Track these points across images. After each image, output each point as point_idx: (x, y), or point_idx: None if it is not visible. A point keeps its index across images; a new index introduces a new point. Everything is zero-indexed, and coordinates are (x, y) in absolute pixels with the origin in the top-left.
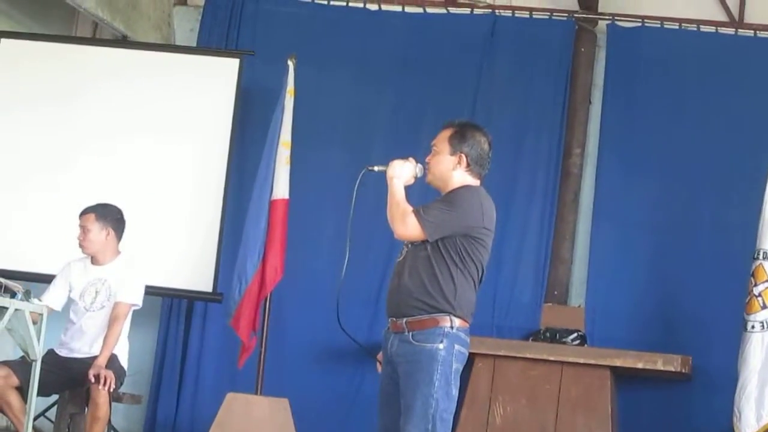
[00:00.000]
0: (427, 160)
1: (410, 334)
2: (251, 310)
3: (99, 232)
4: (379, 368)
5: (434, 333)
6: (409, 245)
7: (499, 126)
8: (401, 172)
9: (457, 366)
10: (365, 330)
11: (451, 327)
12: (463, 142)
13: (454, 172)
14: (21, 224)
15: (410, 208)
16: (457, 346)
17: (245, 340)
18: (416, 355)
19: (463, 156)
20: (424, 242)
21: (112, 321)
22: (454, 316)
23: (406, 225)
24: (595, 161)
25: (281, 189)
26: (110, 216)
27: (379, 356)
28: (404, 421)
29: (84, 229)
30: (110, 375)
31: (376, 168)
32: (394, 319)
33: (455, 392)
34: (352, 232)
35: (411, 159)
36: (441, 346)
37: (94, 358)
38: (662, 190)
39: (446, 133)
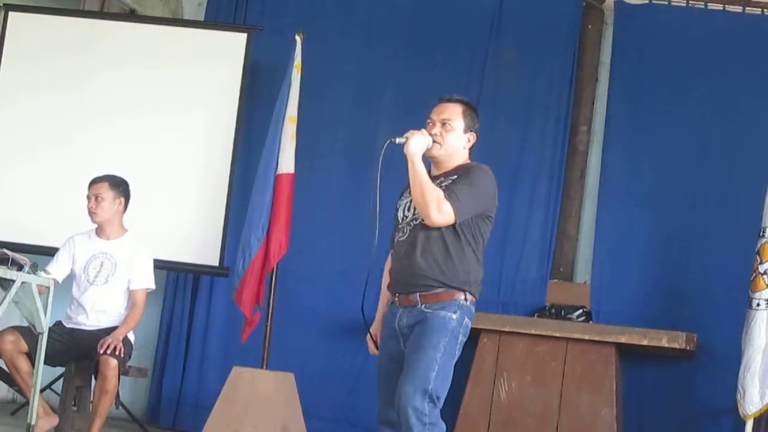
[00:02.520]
0: (437, 132)
1: (424, 306)
2: (254, 284)
3: (112, 201)
4: (372, 347)
5: (449, 304)
6: (412, 223)
7: (506, 103)
8: (420, 147)
9: (462, 339)
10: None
11: (465, 299)
12: (474, 121)
13: (464, 150)
14: (28, 197)
15: (442, 194)
16: (466, 320)
17: (248, 314)
18: (429, 320)
19: (474, 135)
20: None
21: (132, 307)
22: (468, 292)
23: (443, 213)
24: (602, 139)
25: (287, 163)
26: (122, 186)
27: (374, 333)
28: (403, 379)
29: (97, 197)
30: (119, 343)
31: (397, 140)
32: (405, 295)
33: (452, 366)
34: (379, 208)
35: (423, 131)
36: (454, 316)
37: (101, 330)
38: (668, 168)
39: (458, 109)
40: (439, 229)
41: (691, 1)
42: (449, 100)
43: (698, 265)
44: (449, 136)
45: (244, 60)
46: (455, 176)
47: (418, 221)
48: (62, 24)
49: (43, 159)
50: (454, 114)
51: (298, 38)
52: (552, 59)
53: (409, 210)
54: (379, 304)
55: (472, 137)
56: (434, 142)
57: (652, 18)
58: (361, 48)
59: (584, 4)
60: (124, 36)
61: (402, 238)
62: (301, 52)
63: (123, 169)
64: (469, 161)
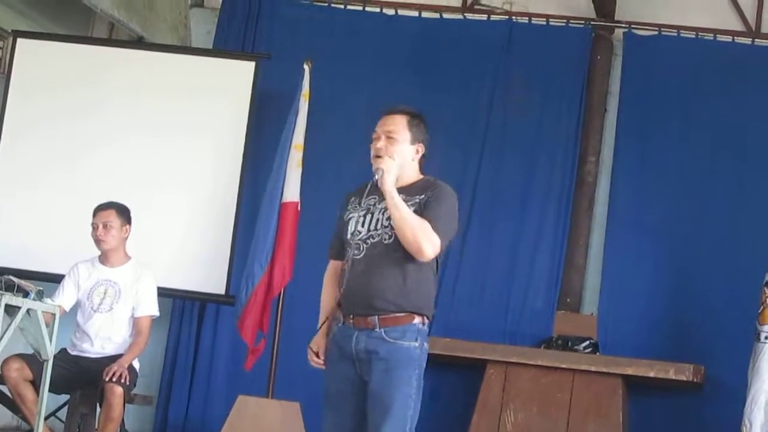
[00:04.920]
0: (379, 146)
1: (383, 330)
2: (257, 312)
3: (120, 229)
4: (316, 360)
5: (409, 330)
6: (369, 241)
7: (514, 132)
8: (395, 175)
9: (424, 365)
10: None
11: (423, 324)
12: (421, 132)
13: (413, 162)
14: (34, 224)
15: (428, 226)
16: (425, 344)
17: (250, 343)
18: (394, 353)
19: (422, 146)
20: (397, 243)
21: (137, 334)
22: (425, 316)
23: (435, 246)
24: (610, 169)
25: (291, 192)
26: (127, 213)
27: (315, 347)
28: (381, 421)
29: (106, 225)
30: (125, 370)
31: (376, 177)
32: (361, 316)
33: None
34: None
35: (387, 157)
36: (416, 344)
37: (106, 357)
38: (676, 199)
39: (402, 120)
40: (401, 249)
41: (700, 33)
42: (392, 112)
43: (705, 297)
44: (397, 149)
45: (252, 88)
46: (421, 195)
47: (376, 239)
48: (70, 51)
49: (49, 186)
50: (398, 125)
51: (306, 67)
52: (561, 89)
53: (363, 226)
54: (322, 315)
55: (420, 148)
56: (377, 156)
57: (661, 49)
58: (369, 76)
59: (593, 34)
60: (133, 63)
61: (358, 256)
62: (309, 81)
63: (129, 196)
64: (424, 176)
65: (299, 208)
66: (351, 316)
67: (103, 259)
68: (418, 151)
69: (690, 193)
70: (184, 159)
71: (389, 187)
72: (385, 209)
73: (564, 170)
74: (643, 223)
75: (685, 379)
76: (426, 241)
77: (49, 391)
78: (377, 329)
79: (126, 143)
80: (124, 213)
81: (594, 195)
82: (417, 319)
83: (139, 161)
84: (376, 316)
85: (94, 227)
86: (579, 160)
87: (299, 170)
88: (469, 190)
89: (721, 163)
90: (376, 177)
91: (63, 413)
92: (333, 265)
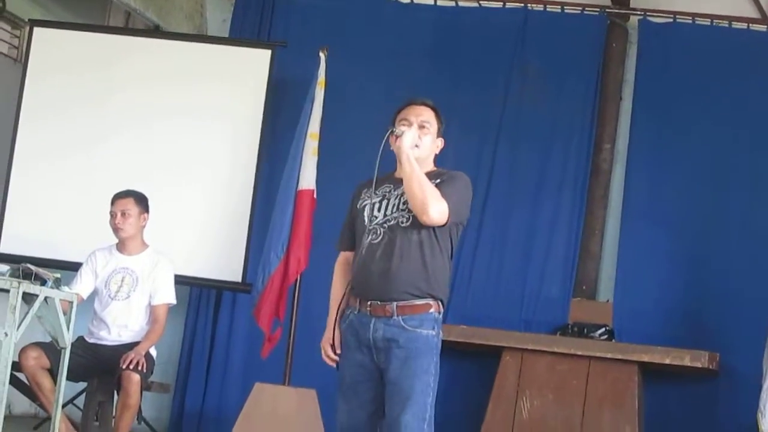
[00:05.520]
0: (414, 132)
1: (401, 318)
2: (273, 300)
3: (138, 217)
4: (331, 355)
5: (426, 318)
6: (386, 225)
7: (529, 120)
8: (412, 145)
9: (439, 353)
10: None
11: (438, 312)
12: (441, 127)
13: (434, 154)
14: (51, 212)
15: (438, 192)
16: (441, 332)
17: (266, 330)
18: (414, 341)
19: (442, 141)
20: (415, 226)
21: (154, 322)
22: (441, 302)
23: (441, 211)
24: (625, 157)
25: (307, 180)
26: (145, 201)
27: (330, 340)
28: (400, 409)
29: (124, 213)
30: (142, 358)
31: (395, 131)
32: (378, 302)
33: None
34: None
35: (414, 128)
36: (434, 332)
37: (123, 345)
38: (692, 187)
39: (432, 113)
40: (418, 233)
41: (715, 20)
42: (424, 104)
43: (721, 284)
44: (426, 139)
45: (268, 76)
46: (437, 180)
47: (393, 222)
48: (87, 40)
49: (66, 174)
50: (430, 117)
51: (321, 55)
52: (576, 77)
53: (379, 210)
54: (333, 309)
55: (441, 143)
56: (415, 146)
57: (676, 36)
58: (385, 64)
59: (608, 22)
60: (149, 52)
61: (375, 241)
62: (325, 69)
63: (146, 184)
64: (436, 167)
65: (315, 196)
66: (368, 303)
67: (121, 247)
68: (438, 146)
69: (705, 181)
70: (200, 147)
71: (407, 147)
72: (402, 194)
73: (579, 158)
74: (659, 211)
75: (701, 366)
76: (434, 202)
77: (67, 379)
78: (395, 317)
79: (142, 131)
80: (142, 201)
81: (609, 183)
82: (433, 308)
83: (155, 150)
84: (394, 304)
85: (112, 215)
86: (594, 148)
87: (315, 158)
88: (485, 178)
89: (737, 151)
90: (396, 132)
91: (80, 401)
92: (343, 257)
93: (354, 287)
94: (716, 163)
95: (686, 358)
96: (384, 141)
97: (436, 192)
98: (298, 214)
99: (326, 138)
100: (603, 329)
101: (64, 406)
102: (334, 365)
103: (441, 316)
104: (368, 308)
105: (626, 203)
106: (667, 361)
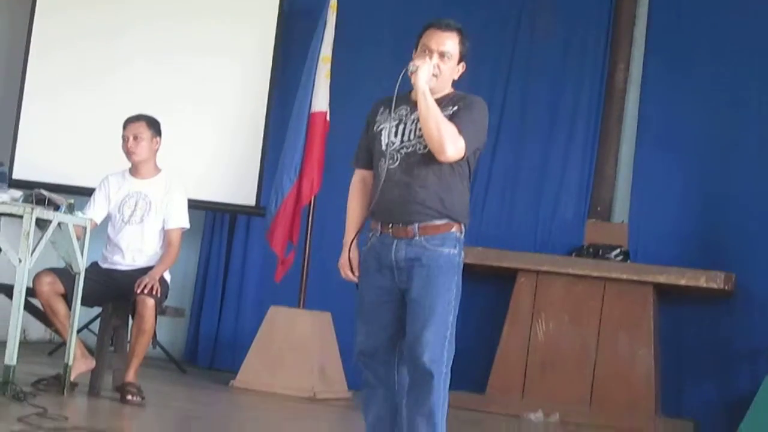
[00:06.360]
0: (435, 63)
1: (423, 238)
2: (287, 223)
3: (150, 140)
4: (350, 274)
5: (448, 237)
6: (403, 151)
7: (543, 43)
8: (428, 79)
9: (461, 273)
10: None
11: (460, 232)
12: (465, 50)
13: (453, 79)
14: (64, 139)
15: (456, 129)
16: (463, 253)
17: (280, 254)
18: (436, 260)
19: (464, 65)
20: (432, 153)
21: (168, 246)
22: (463, 224)
23: (458, 149)
24: (640, 81)
25: (320, 102)
26: (157, 125)
27: (347, 261)
28: (422, 327)
29: (136, 137)
30: (156, 283)
31: (410, 68)
32: (400, 225)
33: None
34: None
35: (427, 60)
36: (455, 251)
37: (137, 270)
38: (707, 110)
39: (455, 38)
40: (436, 159)
41: None
42: (448, 28)
43: (736, 205)
44: (447, 68)
45: (280, 1)
46: (454, 107)
47: (411, 149)
48: None
49: (77, 103)
50: (453, 43)
51: None
52: (589, 2)
53: (396, 136)
54: (350, 228)
55: (462, 67)
56: (434, 75)
57: None
58: None
59: None
60: None
61: (393, 166)
62: None
63: (159, 110)
64: (454, 90)
65: (328, 119)
66: (390, 226)
67: (134, 171)
68: (459, 71)
69: (720, 104)
70: (213, 72)
71: (422, 83)
72: (418, 120)
73: (593, 83)
74: (674, 134)
75: (716, 287)
76: (449, 140)
77: (81, 304)
78: (417, 237)
79: (154, 62)
80: (154, 125)
81: (624, 104)
82: (455, 227)
83: (167, 77)
84: (416, 224)
85: (125, 139)
86: (608, 73)
87: (327, 81)
88: (498, 103)
89: (754, 74)
90: (410, 71)
91: (95, 326)
92: (360, 174)
93: (374, 212)
94: (733, 84)
95: (702, 279)
96: (401, 75)
97: (452, 129)
98: (311, 137)
99: (338, 62)
100: (618, 250)
101: (79, 331)
102: (355, 281)
103: (463, 237)
104: (390, 230)
105: (641, 127)
106: (683, 282)
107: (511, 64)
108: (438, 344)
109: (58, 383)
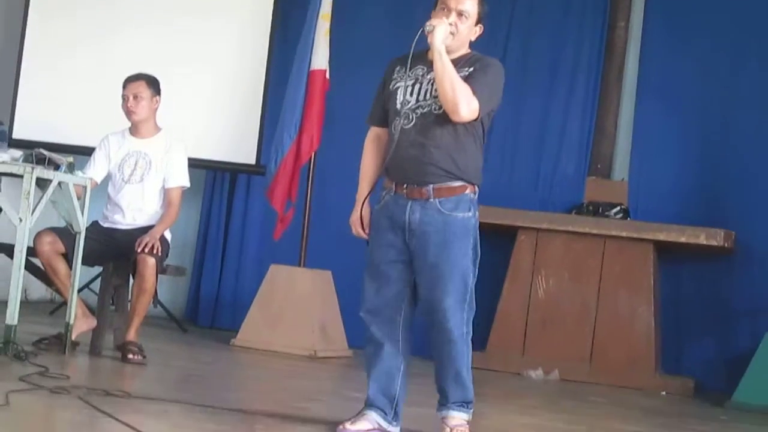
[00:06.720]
0: (452, 22)
1: (437, 201)
2: (286, 181)
3: (150, 99)
4: (361, 233)
5: (462, 200)
6: (418, 111)
7: (542, 3)
8: (444, 38)
9: (477, 235)
10: None
11: (474, 193)
12: (483, 11)
13: (470, 40)
14: (64, 98)
15: (470, 90)
16: (477, 214)
17: (279, 211)
18: (450, 225)
19: (482, 27)
20: (446, 114)
21: (168, 205)
22: (476, 184)
23: (471, 110)
24: (639, 38)
25: (320, 60)
26: (157, 84)
27: (359, 217)
28: (442, 294)
29: (136, 96)
30: (156, 241)
31: (426, 27)
32: (415, 185)
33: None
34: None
35: (444, 20)
36: (470, 213)
37: (137, 229)
38: (707, 64)
39: None
40: (450, 120)
41: None
42: None
43: (737, 163)
44: (464, 28)
45: None
46: (469, 68)
47: (426, 109)
48: None
49: (76, 62)
50: (471, 5)
51: None
52: None
53: (411, 95)
54: (364, 185)
55: (479, 29)
56: (450, 33)
57: None
58: None
59: None
60: None
61: (407, 126)
62: None
63: (158, 69)
64: (472, 51)
65: (328, 76)
66: (404, 186)
67: (134, 130)
68: (476, 32)
69: (720, 61)
70: (212, 31)
71: (439, 43)
72: (434, 80)
73: (593, 39)
74: (674, 90)
75: (716, 244)
76: (463, 100)
77: (82, 263)
78: (431, 199)
79: (154, 18)
80: (153, 84)
81: (624, 61)
82: (469, 189)
83: (166, 36)
84: (431, 186)
85: (125, 99)
86: (608, 28)
87: (327, 39)
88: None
89: (754, 28)
90: (427, 30)
91: (96, 285)
92: (374, 132)
93: (388, 170)
94: (733, 40)
95: (702, 236)
96: (418, 34)
97: (466, 90)
98: (311, 94)
99: (338, 19)
100: (618, 208)
101: (79, 290)
102: (365, 237)
103: (476, 197)
104: (404, 190)
105: (641, 81)
106: (683, 240)
107: (511, 21)
108: (459, 309)
109: (59, 342)
